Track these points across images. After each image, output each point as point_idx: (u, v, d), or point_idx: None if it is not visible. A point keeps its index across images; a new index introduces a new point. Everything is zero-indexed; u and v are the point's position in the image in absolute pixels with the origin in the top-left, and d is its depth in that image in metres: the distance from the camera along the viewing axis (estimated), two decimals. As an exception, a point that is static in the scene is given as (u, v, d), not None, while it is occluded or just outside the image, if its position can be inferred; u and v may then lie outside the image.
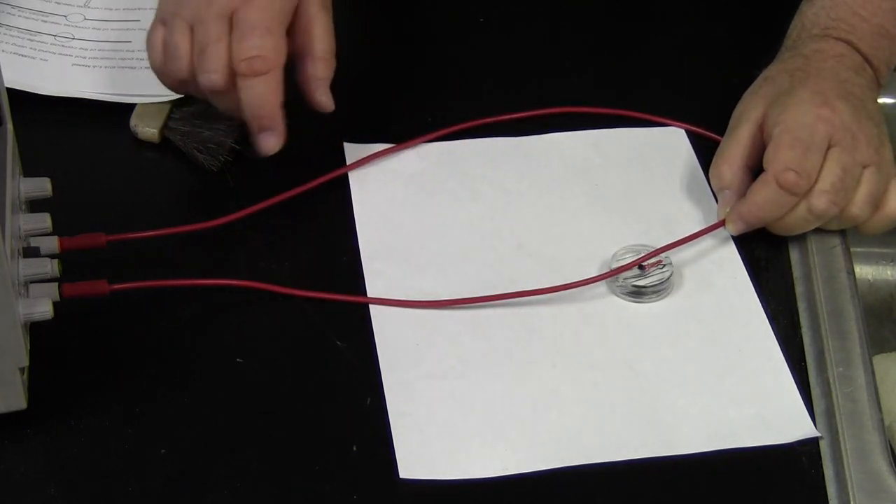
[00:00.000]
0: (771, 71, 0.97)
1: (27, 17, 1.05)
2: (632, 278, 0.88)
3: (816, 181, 0.89)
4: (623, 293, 0.88)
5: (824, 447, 0.81)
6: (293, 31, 0.91)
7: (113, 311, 0.85)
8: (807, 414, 0.82)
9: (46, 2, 1.06)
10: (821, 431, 0.81)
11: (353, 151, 0.97)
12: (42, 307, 0.77)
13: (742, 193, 0.91)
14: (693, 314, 0.88)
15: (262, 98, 0.89)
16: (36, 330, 0.80)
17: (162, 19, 0.90)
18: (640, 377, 0.84)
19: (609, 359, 0.85)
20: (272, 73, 0.88)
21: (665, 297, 0.89)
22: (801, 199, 0.89)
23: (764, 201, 0.89)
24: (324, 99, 0.93)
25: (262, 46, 0.88)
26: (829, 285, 0.89)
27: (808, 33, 0.98)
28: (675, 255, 0.90)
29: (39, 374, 0.80)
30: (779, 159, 0.89)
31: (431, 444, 0.80)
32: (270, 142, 0.90)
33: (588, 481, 0.79)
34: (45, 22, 1.04)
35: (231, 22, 0.88)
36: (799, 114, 0.90)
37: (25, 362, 0.77)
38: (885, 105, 1.03)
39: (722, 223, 0.92)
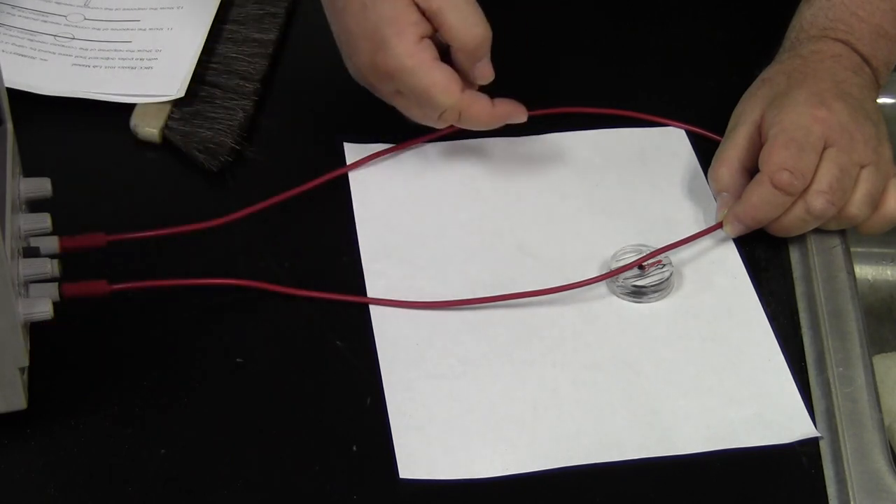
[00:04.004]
0: (769, 72, 0.97)
1: (27, 17, 1.05)
2: (632, 278, 0.88)
3: (813, 181, 0.89)
4: (623, 293, 0.88)
5: (824, 447, 0.81)
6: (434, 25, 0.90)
7: (113, 311, 0.85)
8: (807, 414, 0.82)
9: (46, 2, 1.06)
10: (821, 431, 0.81)
11: (353, 151, 0.97)
12: (42, 307, 0.77)
13: (740, 196, 0.91)
14: (693, 314, 0.88)
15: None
16: (36, 330, 0.80)
17: None
18: (640, 377, 0.84)
19: (609, 359, 0.85)
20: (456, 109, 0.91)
21: (665, 297, 0.89)
22: (799, 200, 0.89)
23: (759, 201, 0.89)
24: (485, 72, 0.91)
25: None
26: (829, 285, 0.89)
27: (806, 34, 0.98)
28: (675, 255, 0.90)
29: (39, 374, 0.80)
30: (773, 159, 0.89)
31: (431, 444, 0.80)
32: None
33: (588, 481, 0.79)
34: (45, 22, 1.04)
35: None
36: (795, 115, 0.90)
37: (25, 362, 0.77)
38: (884, 105, 1.03)
39: (720, 225, 0.92)
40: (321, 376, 0.83)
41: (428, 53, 0.89)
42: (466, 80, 0.91)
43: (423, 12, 0.89)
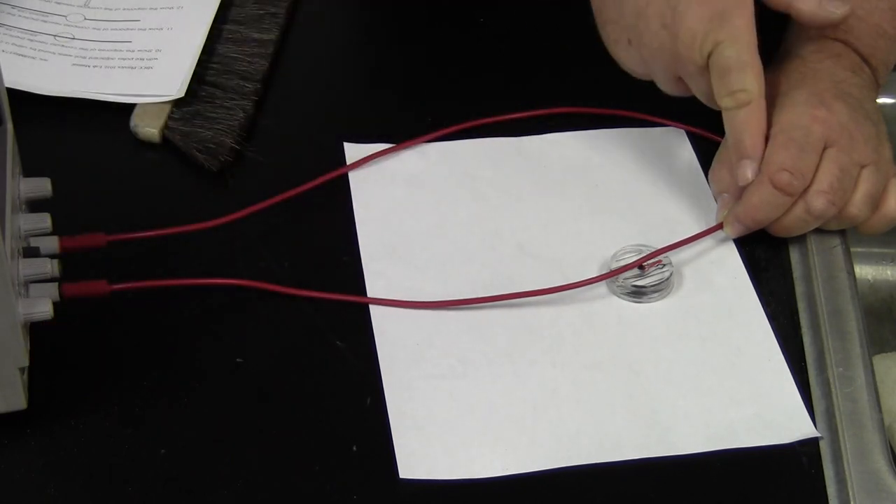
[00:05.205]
0: (768, 73, 0.97)
1: (27, 17, 1.05)
2: (632, 278, 0.88)
3: (813, 182, 0.89)
4: (623, 293, 0.88)
5: (824, 447, 0.81)
6: None
7: (113, 311, 0.85)
8: (807, 414, 0.82)
9: (46, 2, 1.06)
10: (821, 431, 0.81)
11: (353, 151, 0.97)
12: (42, 307, 0.77)
13: (741, 196, 0.91)
14: (693, 314, 0.88)
15: (744, 126, 0.89)
16: (36, 330, 0.80)
17: None
18: (640, 377, 0.84)
19: (609, 359, 0.85)
20: (755, 103, 0.89)
21: (665, 297, 0.89)
22: (799, 200, 0.89)
23: (759, 202, 0.89)
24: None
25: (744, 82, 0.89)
26: (829, 285, 0.89)
27: (805, 35, 0.98)
28: (675, 255, 0.90)
29: (39, 374, 0.80)
30: (773, 160, 0.89)
31: (431, 444, 0.80)
32: (746, 171, 0.89)
33: (588, 481, 0.79)
34: (45, 22, 1.04)
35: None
36: (794, 115, 0.90)
37: (25, 362, 0.77)
38: (884, 105, 1.03)
39: (720, 226, 0.92)
40: (321, 376, 0.83)
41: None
42: None
43: None
